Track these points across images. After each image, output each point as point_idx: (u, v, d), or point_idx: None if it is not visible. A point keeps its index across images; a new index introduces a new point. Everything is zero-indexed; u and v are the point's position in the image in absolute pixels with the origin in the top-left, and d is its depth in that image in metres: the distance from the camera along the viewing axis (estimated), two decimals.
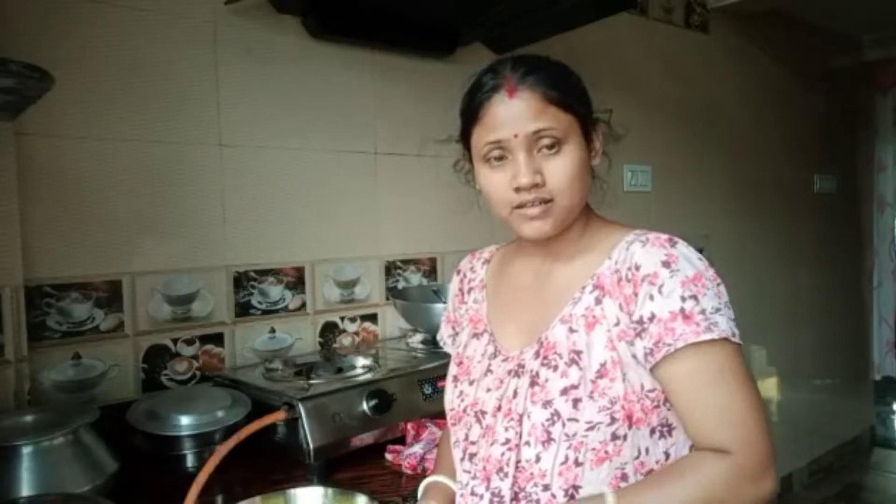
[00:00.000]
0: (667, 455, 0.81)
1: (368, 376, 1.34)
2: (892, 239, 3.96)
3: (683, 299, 0.77)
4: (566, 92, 0.83)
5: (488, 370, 0.90)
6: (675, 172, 2.67)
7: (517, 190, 0.82)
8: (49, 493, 0.97)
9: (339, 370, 1.38)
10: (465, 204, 0.99)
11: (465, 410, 0.90)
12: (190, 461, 1.19)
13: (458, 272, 1.08)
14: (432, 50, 1.84)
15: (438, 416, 1.33)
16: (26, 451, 0.99)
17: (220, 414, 1.21)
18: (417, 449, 1.21)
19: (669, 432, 0.82)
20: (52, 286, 1.31)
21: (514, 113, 0.82)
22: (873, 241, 3.94)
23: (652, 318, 0.78)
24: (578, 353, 0.81)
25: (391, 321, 1.82)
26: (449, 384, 0.97)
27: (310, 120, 1.66)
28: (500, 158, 0.84)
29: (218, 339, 1.53)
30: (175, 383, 1.46)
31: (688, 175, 2.74)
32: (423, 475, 1.16)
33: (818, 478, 3.44)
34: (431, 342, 1.63)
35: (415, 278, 1.88)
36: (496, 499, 0.83)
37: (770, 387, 3.21)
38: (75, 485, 1.00)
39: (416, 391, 1.34)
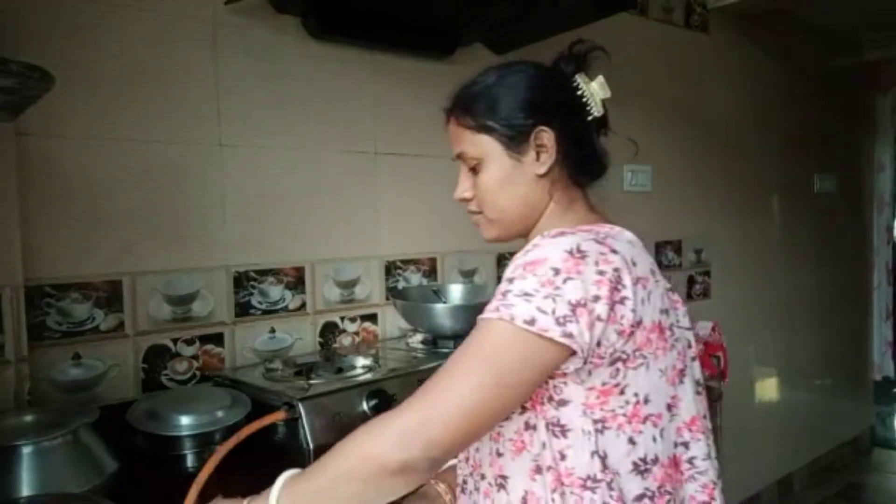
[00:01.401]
0: (562, 456, 0.78)
1: (368, 376, 1.34)
2: (890, 239, 3.96)
3: (507, 280, 0.76)
4: (483, 114, 0.88)
5: None
6: (675, 172, 2.67)
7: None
8: (49, 493, 0.96)
9: (339, 370, 1.38)
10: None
11: None
12: (190, 461, 1.19)
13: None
14: (432, 50, 1.84)
15: None
16: (26, 451, 0.99)
17: (220, 414, 1.21)
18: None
19: (563, 433, 0.78)
20: (52, 286, 1.31)
21: (449, 138, 0.93)
22: (873, 241, 3.95)
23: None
24: None
25: (391, 321, 1.82)
26: None
27: (310, 120, 1.66)
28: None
29: (218, 339, 1.53)
30: (175, 383, 1.46)
31: (688, 175, 2.74)
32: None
33: (818, 478, 3.44)
34: (431, 342, 1.63)
35: (415, 278, 1.88)
36: (460, 485, 0.91)
37: (770, 387, 3.21)
38: (75, 485, 0.99)
39: (416, 391, 1.34)
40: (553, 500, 0.78)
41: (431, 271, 1.92)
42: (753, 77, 3.03)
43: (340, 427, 1.20)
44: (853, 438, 3.81)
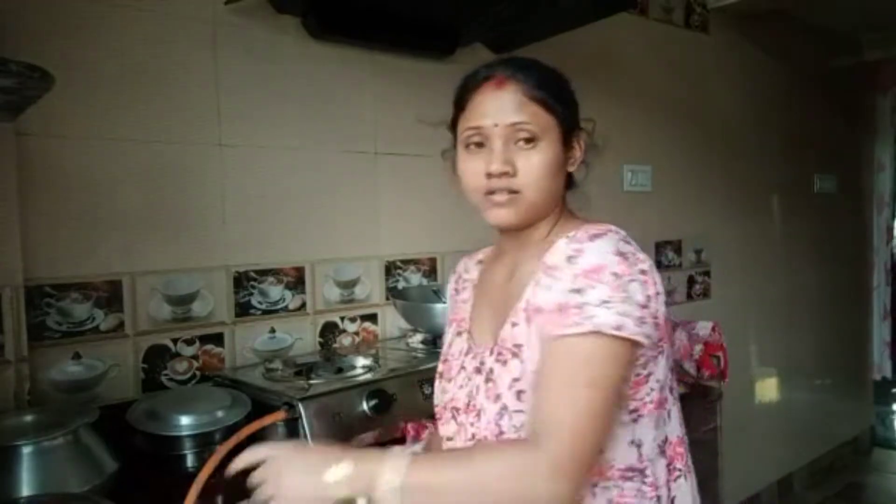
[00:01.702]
0: (601, 449, 0.80)
1: (368, 376, 1.34)
2: (889, 239, 3.96)
3: (571, 291, 0.77)
4: (551, 94, 0.87)
5: (462, 367, 0.94)
6: (675, 172, 2.67)
7: (489, 176, 0.86)
8: (49, 493, 0.97)
9: (339, 370, 1.38)
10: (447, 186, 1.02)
11: (444, 407, 0.95)
12: (190, 461, 1.19)
13: (454, 273, 1.13)
14: (432, 50, 1.84)
15: None
16: (26, 451, 0.99)
17: (220, 414, 1.21)
18: (417, 449, 1.21)
19: None
20: (52, 286, 1.30)
21: (498, 104, 0.86)
22: (873, 241, 3.95)
23: (540, 309, 0.81)
24: (519, 346, 0.84)
25: (391, 321, 1.82)
26: (436, 382, 1.01)
27: (310, 120, 1.66)
28: (479, 145, 0.88)
29: (218, 339, 1.53)
30: (175, 383, 1.46)
31: (688, 175, 2.74)
32: None
33: (818, 478, 3.44)
34: (431, 342, 1.63)
35: (415, 278, 1.88)
36: None
37: (770, 387, 3.21)
38: (75, 485, 0.99)
39: (416, 391, 1.34)
40: (595, 493, 0.81)
41: (431, 271, 1.92)
42: (753, 77, 3.03)
43: (340, 427, 1.20)
44: (853, 438, 3.81)
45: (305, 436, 1.16)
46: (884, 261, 3.95)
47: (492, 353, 0.88)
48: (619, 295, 0.76)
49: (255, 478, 0.78)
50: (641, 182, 2.52)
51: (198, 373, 1.49)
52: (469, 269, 1.09)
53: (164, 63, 1.43)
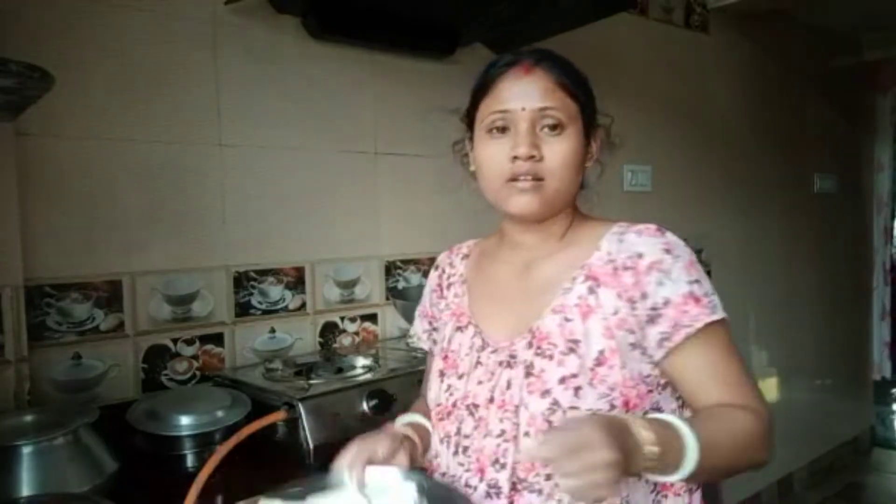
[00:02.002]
0: None
1: (368, 376, 1.34)
2: (888, 239, 3.96)
3: (690, 283, 0.81)
4: (576, 83, 0.88)
5: (478, 363, 0.91)
6: (675, 172, 2.67)
7: (514, 160, 0.85)
8: (49, 493, 0.97)
9: (339, 370, 1.38)
10: (455, 181, 1.02)
11: (454, 405, 0.91)
12: (190, 461, 1.19)
13: (437, 267, 1.10)
14: (432, 50, 1.84)
15: None
16: (26, 451, 0.99)
17: (220, 414, 1.21)
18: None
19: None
20: (52, 286, 1.30)
21: (526, 88, 0.86)
22: (873, 241, 3.94)
23: (666, 302, 0.81)
24: (576, 341, 0.82)
25: (391, 321, 1.82)
26: (434, 379, 0.97)
27: (310, 120, 1.66)
28: (503, 130, 0.87)
29: (218, 339, 1.53)
30: (175, 383, 1.46)
31: (688, 175, 2.74)
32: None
33: (818, 478, 3.44)
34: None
35: (415, 278, 1.88)
36: (493, 490, 0.83)
37: (770, 387, 3.21)
38: (75, 485, 0.99)
39: (416, 391, 1.34)
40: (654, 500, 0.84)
41: None
42: (753, 77, 3.03)
43: (340, 427, 1.20)
44: (853, 438, 3.81)
45: (305, 436, 1.16)
46: (883, 261, 3.95)
47: (530, 346, 0.85)
48: (711, 284, 0.84)
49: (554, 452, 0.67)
50: (641, 182, 2.52)
51: (198, 373, 1.49)
52: (454, 264, 1.07)
53: (164, 63, 1.43)
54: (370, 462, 0.85)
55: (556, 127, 0.85)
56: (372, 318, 1.80)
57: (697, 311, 0.80)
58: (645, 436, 0.69)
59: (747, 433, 0.79)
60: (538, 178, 0.86)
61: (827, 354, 3.58)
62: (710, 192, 2.85)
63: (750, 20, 2.90)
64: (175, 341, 1.47)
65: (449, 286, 1.05)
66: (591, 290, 0.85)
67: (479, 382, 0.89)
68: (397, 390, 1.30)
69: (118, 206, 1.38)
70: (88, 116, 1.34)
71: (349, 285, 1.75)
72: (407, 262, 1.87)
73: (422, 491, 0.82)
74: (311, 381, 1.29)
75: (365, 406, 1.24)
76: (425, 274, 1.90)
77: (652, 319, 0.81)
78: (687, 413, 0.87)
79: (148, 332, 1.43)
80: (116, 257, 1.38)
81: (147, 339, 1.43)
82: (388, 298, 1.81)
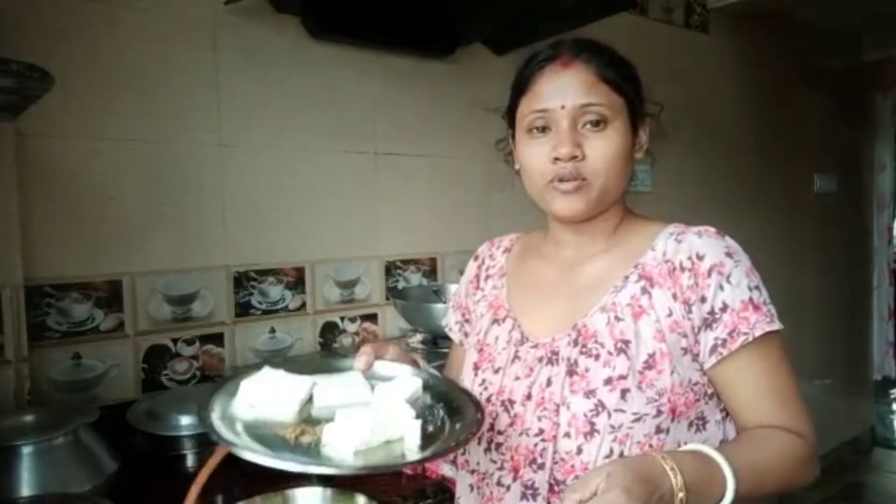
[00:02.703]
0: None
1: None
2: (890, 239, 3.96)
3: (750, 289, 0.79)
4: (620, 74, 0.84)
5: (515, 357, 0.87)
6: (675, 172, 2.67)
7: (556, 160, 0.81)
8: (49, 493, 0.97)
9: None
10: (501, 180, 0.98)
11: (489, 399, 0.87)
12: (190, 461, 1.19)
13: (476, 258, 1.05)
14: (432, 50, 1.84)
15: None
16: (26, 451, 0.99)
17: None
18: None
19: (704, 426, 0.81)
20: (52, 286, 1.30)
21: (565, 84, 0.82)
22: (873, 241, 3.94)
23: (724, 307, 0.78)
24: (626, 342, 0.79)
25: (391, 321, 1.82)
26: (468, 372, 0.93)
27: (310, 120, 1.66)
28: (543, 130, 0.83)
29: (218, 339, 1.53)
30: (175, 383, 1.46)
31: (688, 175, 2.74)
32: (423, 475, 1.16)
33: (818, 478, 3.44)
34: (431, 342, 1.63)
35: (415, 278, 1.88)
36: (528, 490, 0.80)
37: None
38: (75, 485, 0.99)
39: None
40: None
41: (431, 271, 1.92)
42: (753, 77, 3.03)
43: None
44: (853, 438, 3.81)
45: None
46: (884, 261, 3.95)
47: (575, 344, 0.82)
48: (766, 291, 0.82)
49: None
50: (642, 181, 2.52)
51: (198, 373, 1.49)
52: (494, 257, 1.02)
53: (164, 63, 1.43)
54: (379, 358, 0.84)
55: (598, 123, 0.81)
56: (372, 318, 1.80)
57: (756, 318, 0.78)
58: (674, 483, 0.65)
59: (792, 460, 0.77)
60: (582, 179, 0.82)
61: (827, 354, 3.58)
62: (710, 192, 2.84)
63: (750, 20, 2.90)
64: (175, 341, 1.47)
65: (487, 278, 1.01)
66: (645, 291, 0.81)
67: (517, 378, 0.85)
68: None
69: (118, 206, 1.38)
70: (88, 116, 1.34)
71: (349, 285, 1.75)
72: (407, 262, 1.87)
73: (426, 386, 0.79)
74: None
75: None
76: (425, 274, 1.90)
77: (708, 324, 0.78)
78: (730, 425, 0.83)
79: (148, 332, 1.43)
80: (116, 257, 1.38)
81: (147, 339, 1.43)
82: (388, 298, 1.81)
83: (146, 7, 1.40)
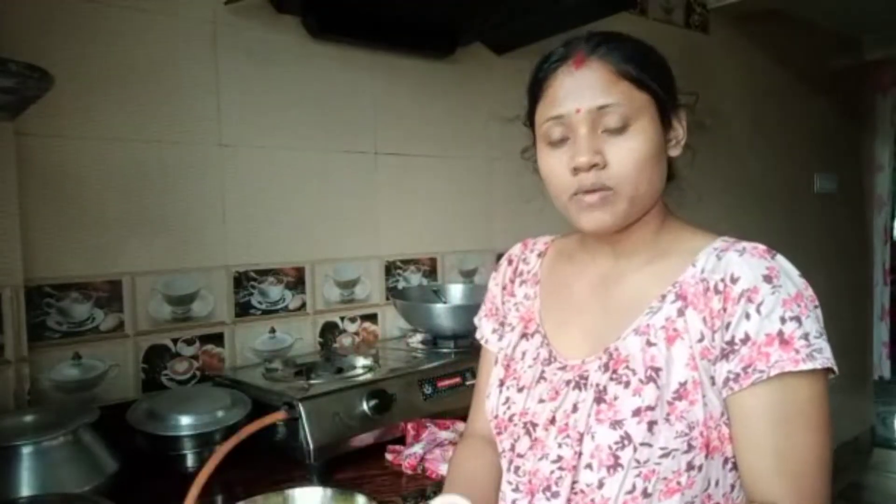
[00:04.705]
0: (732, 488, 0.74)
1: (368, 376, 1.34)
2: (888, 239, 3.96)
3: (784, 321, 0.69)
4: (643, 67, 0.75)
5: (541, 377, 0.82)
6: (675, 172, 2.67)
7: (575, 171, 0.74)
8: (49, 493, 0.96)
9: (339, 370, 1.38)
10: (529, 192, 0.90)
11: (511, 419, 0.83)
12: (190, 461, 1.19)
13: (510, 261, 0.98)
14: (432, 50, 1.84)
15: (438, 416, 1.33)
16: (26, 451, 0.99)
17: (220, 414, 1.21)
18: (417, 449, 1.21)
19: (735, 466, 0.73)
20: (52, 286, 1.30)
21: (579, 85, 0.74)
22: (872, 241, 3.95)
23: (746, 339, 0.69)
24: (657, 370, 0.72)
25: (391, 321, 1.82)
26: (493, 388, 0.88)
27: (310, 120, 1.66)
28: (562, 140, 0.76)
29: (218, 339, 1.53)
30: (175, 383, 1.46)
31: (687, 175, 2.73)
32: (423, 475, 1.16)
33: None
34: (431, 342, 1.63)
35: (415, 278, 1.88)
36: None
37: None
38: (75, 485, 0.99)
39: (416, 391, 1.34)
40: None
41: (431, 271, 1.92)
42: (753, 77, 3.03)
43: (340, 427, 1.20)
44: (853, 438, 3.80)
45: (305, 436, 1.16)
46: (882, 260, 3.95)
47: (605, 369, 0.75)
48: (820, 325, 0.71)
49: None
50: None
51: (198, 373, 1.49)
52: (528, 261, 0.96)
53: (164, 63, 1.43)
54: None
55: (621, 125, 0.73)
56: (372, 318, 1.80)
57: (781, 355, 0.67)
58: None
59: None
60: (607, 189, 0.74)
61: None
62: (710, 192, 2.84)
63: (750, 20, 2.90)
64: (175, 341, 1.47)
65: (521, 283, 0.94)
66: (681, 312, 0.74)
67: (541, 401, 0.80)
68: (397, 390, 1.30)
69: (118, 206, 1.38)
70: (88, 116, 1.34)
71: (349, 285, 1.75)
72: (407, 262, 1.87)
73: None
74: (311, 381, 1.29)
75: (365, 406, 1.24)
76: (425, 274, 1.90)
77: (725, 354, 0.70)
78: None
79: (148, 332, 1.43)
80: (116, 257, 1.38)
81: (147, 339, 1.43)
82: (388, 298, 1.81)
83: (146, 7, 1.40)
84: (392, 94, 1.80)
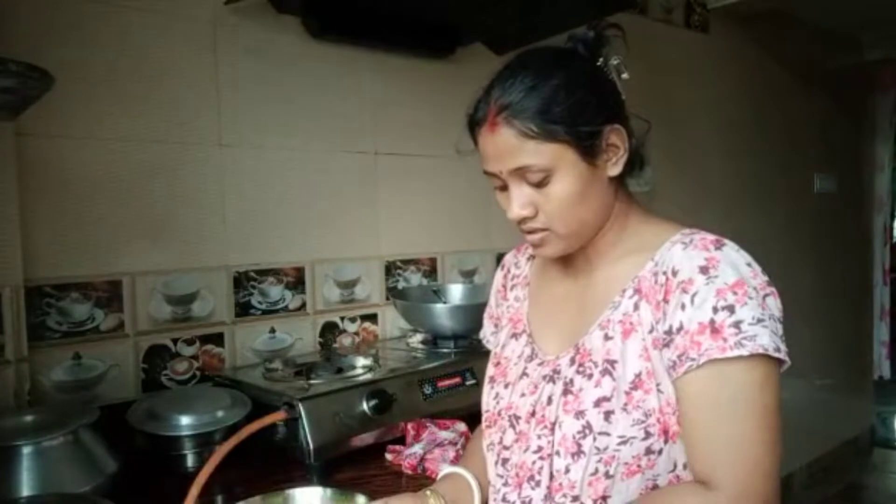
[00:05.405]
0: (684, 466, 0.77)
1: (368, 376, 1.34)
2: (888, 239, 3.96)
3: (716, 310, 0.71)
4: (546, 119, 0.76)
5: (524, 373, 0.88)
6: (676, 172, 2.67)
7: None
8: (49, 493, 0.96)
9: (339, 370, 1.38)
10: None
11: (499, 413, 0.89)
12: (190, 461, 1.19)
13: (503, 267, 1.06)
14: (432, 50, 1.84)
15: (439, 416, 1.33)
16: (26, 451, 0.99)
17: (220, 414, 1.21)
18: (417, 449, 1.21)
19: None
20: (52, 286, 1.30)
21: (496, 150, 0.79)
22: (872, 241, 3.95)
23: (680, 328, 0.73)
24: (612, 362, 0.77)
25: (391, 321, 1.82)
26: (486, 385, 0.95)
27: (310, 120, 1.66)
28: (503, 187, 0.83)
29: (218, 339, 1.53)
30: (175, 383, 1.46)
31: (687, 175, 2.74)
32: (423, 475, 1.16)
33: (818, 478, 3.44)
34: (431, 342, 1.63)
35: (415, 278, 1.88)
36: None
37: None
38: (75, 485, 0.99)
39: (416, 391, 1.34)
40: None
41: (431, 271, 1.92)
42: (753, 77, 3.03)
43: (340, 427, 1.20)
44: (853, 438, 3.81)
45: (305, 436, 1.16)
46: (882, 260, 3.95)
47: (573, 362, 0.81)
48: (766, 312, 0.72)
49: None
50: (642, 182, 2.52)
51: (198, 373, 1.49)
52: (519, 265, 1.02)
53: (165, 63, 1.43)
54: None
55: (541, 179, 0.78)
56: (372, 318, 1.80)
57: (710, 343, 0.70)
58: None
59: None
60: (543, 230, 0.81)
61: (827, 354, 3.58)
62: (710, 193, 2.85)
63: (750, 20, 2.90)
64: (175, 341, 1.47)
65: (513, 287, 1.01)
66: (636, 306, 0.78)
67: (522, 395, 0.86)
68: (397, 390, 1.30)
69: (118, 206, 1.38)
70: (88, 116, 1.34)
71: (349, 285, 1.75)
72: (407, 262, 1.87)
73: None
74: (311, 381, 1.29)
75: (365, 406, 1.24)
76: (425, 274, 1.90)
77: (666, 344, 0.74)
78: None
79: (148, 332, 1.43)
80: (116, 257, 1.38)
81: (147, 339, 1.43)
82: (388, 298, 1.81)
83: (146, 7, 1.40)
84: (392, 94, 1.80)
